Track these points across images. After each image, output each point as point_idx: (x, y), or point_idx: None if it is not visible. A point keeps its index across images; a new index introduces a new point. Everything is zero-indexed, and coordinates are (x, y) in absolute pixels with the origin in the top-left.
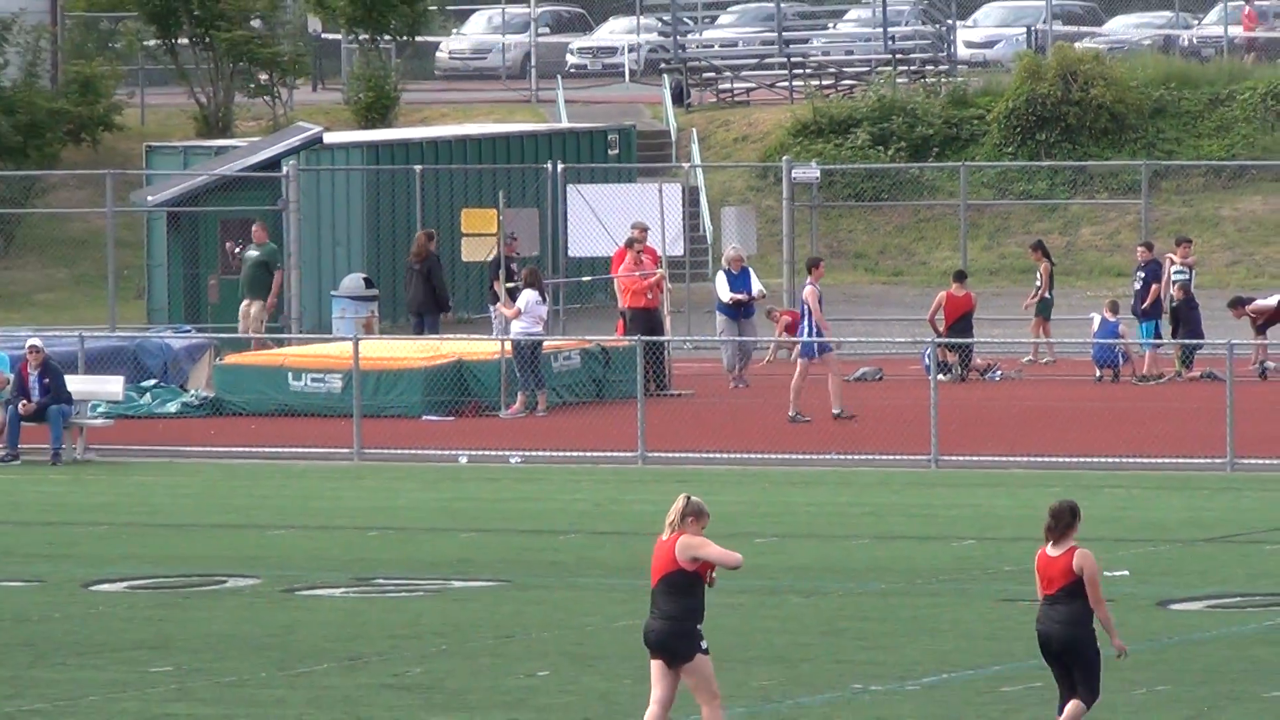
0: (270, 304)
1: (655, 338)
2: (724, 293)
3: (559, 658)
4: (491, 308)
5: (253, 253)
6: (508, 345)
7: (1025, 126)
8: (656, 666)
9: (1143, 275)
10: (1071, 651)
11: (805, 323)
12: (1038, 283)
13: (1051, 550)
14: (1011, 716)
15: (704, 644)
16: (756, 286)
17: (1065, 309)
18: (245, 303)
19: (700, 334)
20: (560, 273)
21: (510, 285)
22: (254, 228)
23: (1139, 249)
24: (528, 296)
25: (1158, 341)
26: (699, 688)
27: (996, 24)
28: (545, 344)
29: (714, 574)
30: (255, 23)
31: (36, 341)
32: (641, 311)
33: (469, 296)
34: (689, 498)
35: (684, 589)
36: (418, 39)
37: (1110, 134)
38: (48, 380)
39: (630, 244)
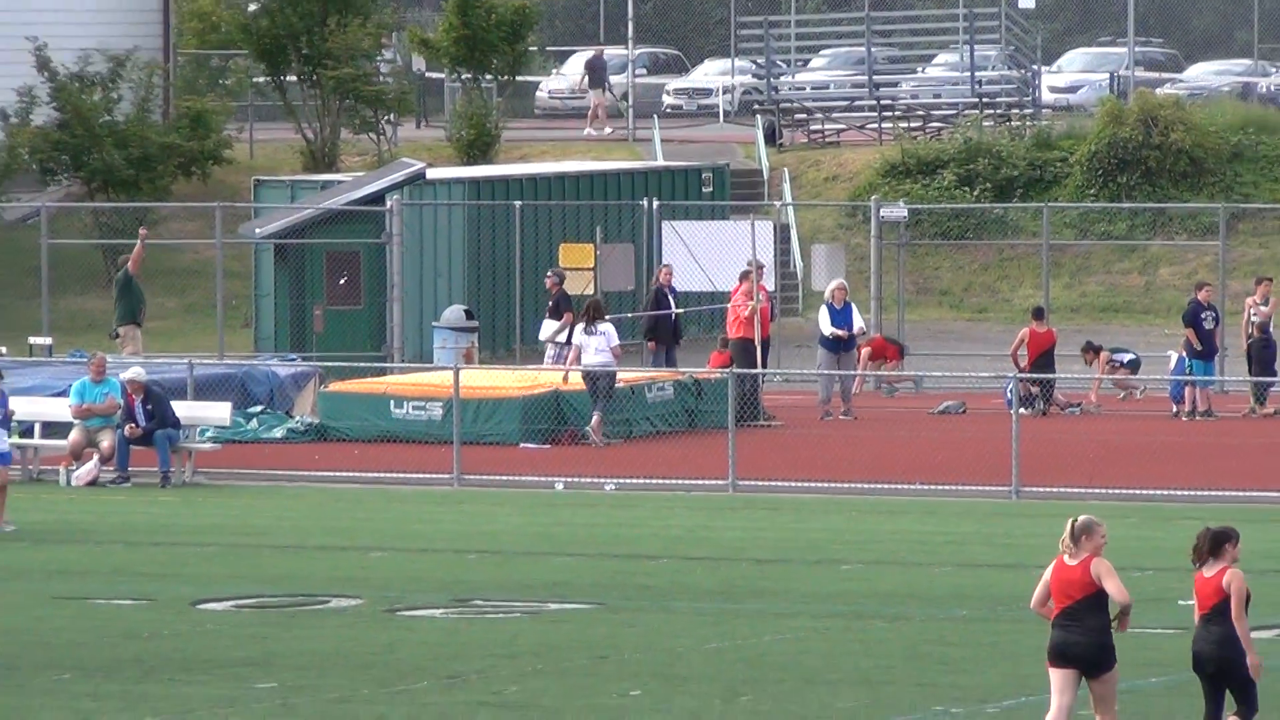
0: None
1: (744, 370)
2: (825, 326)
3: (650, 678)
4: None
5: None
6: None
7: (1107, 169)
8: (1062, 677)
9: (1214, 315)
10: (1223, 672)
11: None
12: (1104, 371)
13: (1205, 571)
14: None
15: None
16: (858, 323)
17: (1144, 346)
18: (129, 328)
19: (789, 367)
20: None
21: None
22: (136, 250)
23: (1206, 290)
24: (611, 329)
25: (1237, 379)
26: (1105, 697)
27: (1080, 70)
28: (641, 376)
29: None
30: (362, 61)
31: (132, 374)
32: (738, 341)
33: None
34: (1074, 520)
35: (1102, 605)
36: (518, 79)
37: (1189, 177)
38: (150, 407)
39: (744, 276)
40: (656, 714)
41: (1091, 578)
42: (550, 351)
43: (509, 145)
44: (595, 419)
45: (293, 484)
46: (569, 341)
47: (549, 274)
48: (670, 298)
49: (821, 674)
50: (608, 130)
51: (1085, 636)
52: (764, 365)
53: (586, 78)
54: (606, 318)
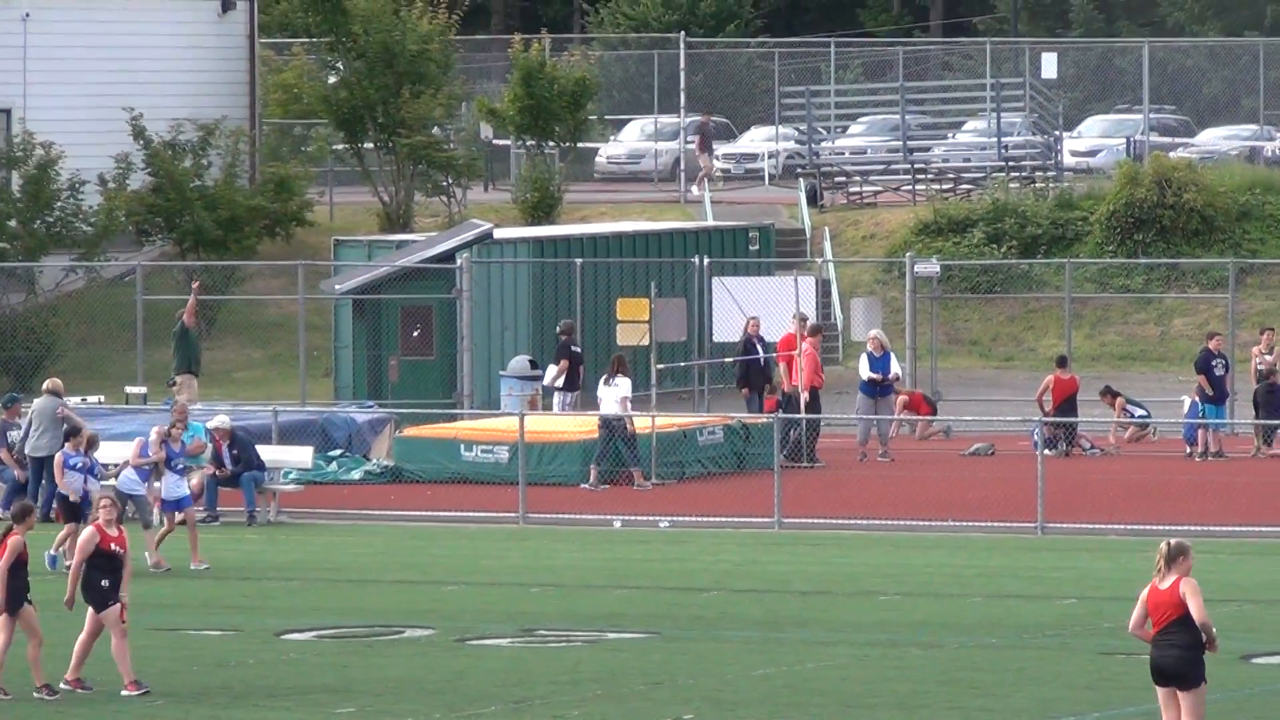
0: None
1: (787, 415)
2: (864, 371)
3: (702, 702)
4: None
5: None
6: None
7: (1124, 227)
8: (1163, 694)
9: (1224, 363)
10: None
11: None
12: (1120, 416)
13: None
14: None
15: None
16: (894, 370)
17: (1160, 391)
18: (185, 376)
19: (829, 413)
20: (705, 355)
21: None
22: (189, 303)
23: (1217, 339)
24: (626, 382)
25: (1245, 422)
26: (1192, 710)
27: (1099, 135)
28: (692, 421)
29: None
30: (433, 129)
31: (217, 423)
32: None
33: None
34: (1169, 543)
35: (1192, 624)
36: (579, 145)
37: (1201, 234)
38: (236, 451)
39: (816, 331)
40: None
41: (1180, 598)
42: (556, 398)
43: (570, 207)
44: (637, 473)
45: (370, 523)
46: (564, 389)
47: (559, 325)
48: (759, 347)
49: (861, 698)
50: (721, 186)
51: (1174, 651)
52: (806, 412)
53: (697, 142)
54: (627, 373)
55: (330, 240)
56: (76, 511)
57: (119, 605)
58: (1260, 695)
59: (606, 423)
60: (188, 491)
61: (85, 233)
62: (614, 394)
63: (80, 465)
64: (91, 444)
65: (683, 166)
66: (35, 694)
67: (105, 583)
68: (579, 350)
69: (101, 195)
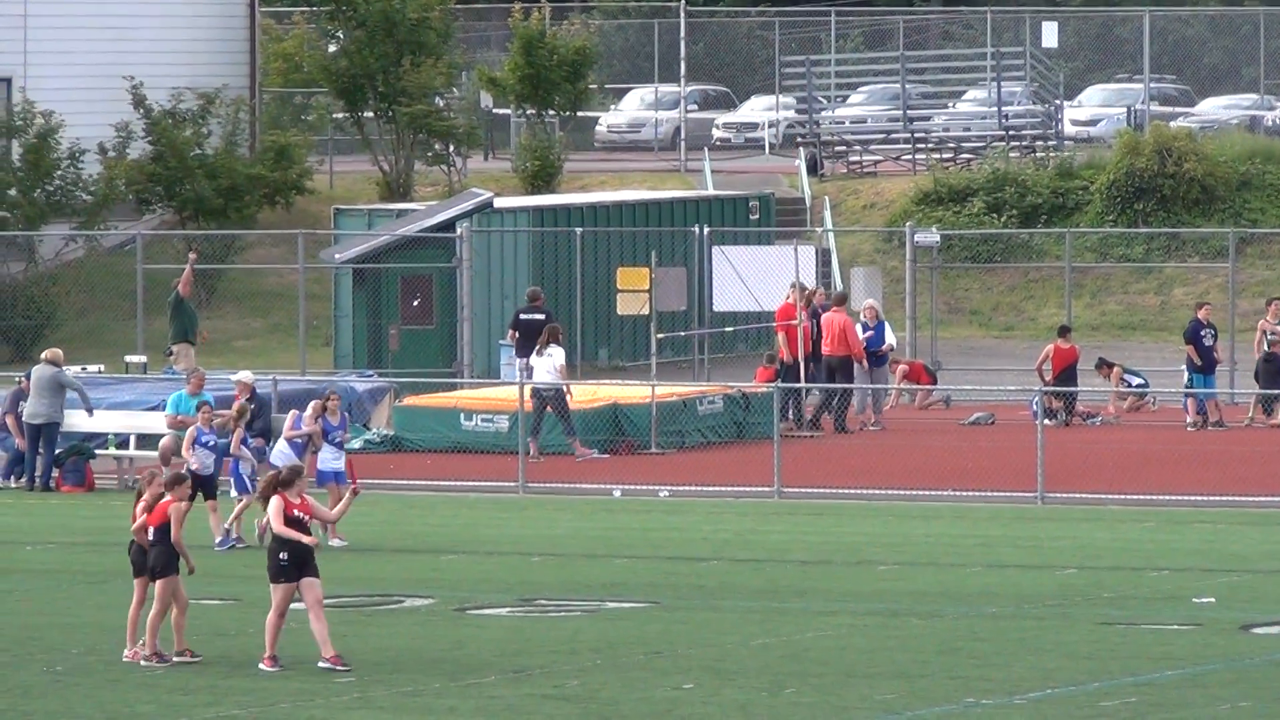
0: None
1: (788, 384)
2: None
3: (702, 672)
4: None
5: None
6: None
7: (1125, 197)
8: None
9: (1213, 333)
10: None
11: None
12: (1119, 385)
13: None
14: None
15: None
16: (888, 340)
17: (1159, 361)
18: (180, 346)
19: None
20: (705, 325)
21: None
22: (185, 273)
23: (1206, 308)
24: (560, 352)
25: (1245, 391)
26: None
27: (1099, 104)
28: (691, 390)
29: None
30: (434, 98)
31: (241, 376)
32: (834, 359)
33: (623, 346)
34: None
35: None
36: (579, 114)
37: (1201, 204)
38: (255, 408)
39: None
40: (707, 706)
41: None
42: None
43: (570, 176)
44: (576, 445)
45: (369, 492)
46: (518, 353)
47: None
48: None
49: (861, 668)
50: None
51: None
52: (808, 381)
53: None
54: (559, 343)
55: (330, 209)
56: (206, 488)
57: (295, 584)
58: (1260, 665)
59: (537, 393)
60: (344, 465)
61: (85, 202)
62: (545, 364)
63: (211, 443)
64: (241, 415)
65: (683, 136)
66: (144, 660)
67: (283, 555)
68: (535, 317)
69: (101, 164)
